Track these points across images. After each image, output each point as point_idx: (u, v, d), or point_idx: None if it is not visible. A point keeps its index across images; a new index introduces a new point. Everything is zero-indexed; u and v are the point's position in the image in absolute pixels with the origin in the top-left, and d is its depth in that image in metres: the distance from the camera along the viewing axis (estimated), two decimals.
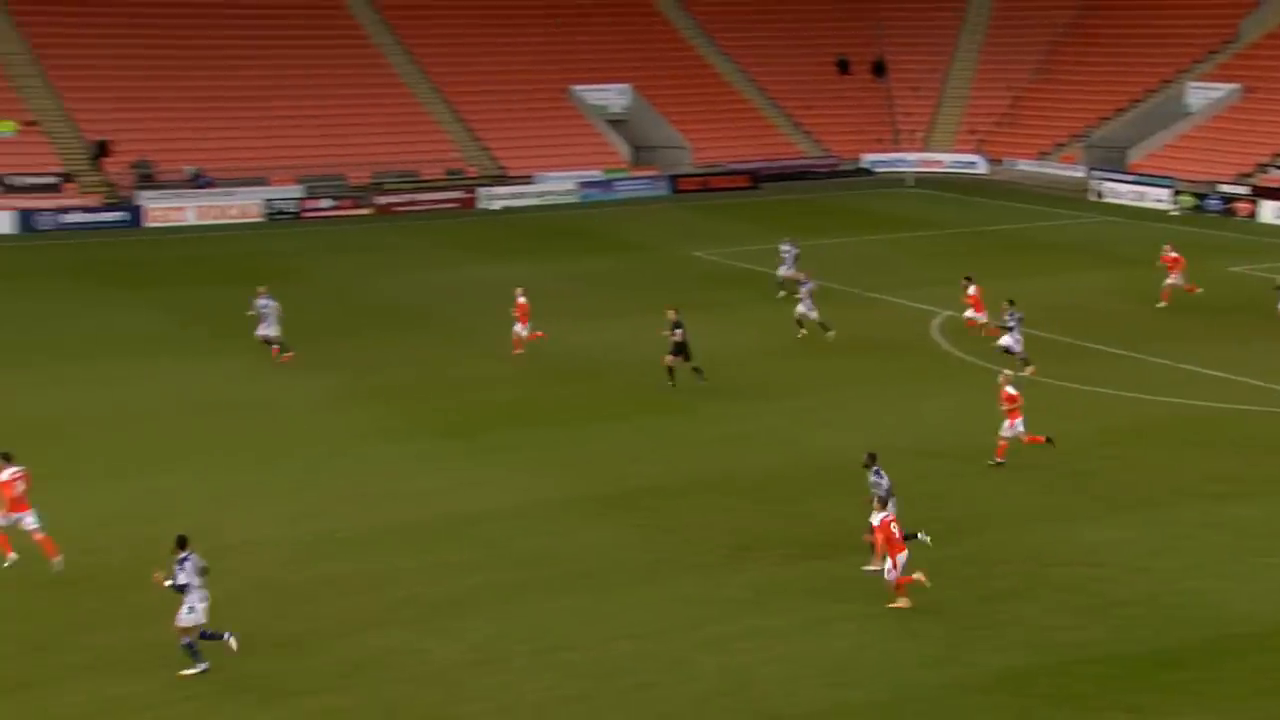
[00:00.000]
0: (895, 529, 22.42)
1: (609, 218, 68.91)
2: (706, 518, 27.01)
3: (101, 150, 70.18)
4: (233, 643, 20.80)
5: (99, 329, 44.10)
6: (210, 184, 70.17)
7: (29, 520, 24.58)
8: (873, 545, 23.11)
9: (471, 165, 77.07)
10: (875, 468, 24.52)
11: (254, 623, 22.25)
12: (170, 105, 74.08)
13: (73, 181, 67.73)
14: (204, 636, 20.83)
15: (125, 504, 27.85)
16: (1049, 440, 29.69)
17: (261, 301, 39.51)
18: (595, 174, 77.14)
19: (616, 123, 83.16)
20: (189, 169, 70.48)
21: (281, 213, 69.60)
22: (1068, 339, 41.01)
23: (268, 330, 39.20)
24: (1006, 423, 29.50)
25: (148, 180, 69.25)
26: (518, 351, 39.41)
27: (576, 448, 31.72)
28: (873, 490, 23.81)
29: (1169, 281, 45.16)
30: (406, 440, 32.40)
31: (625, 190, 76.36)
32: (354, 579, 24.14)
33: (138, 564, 24.37)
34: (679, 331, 35.70)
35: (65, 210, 65.22)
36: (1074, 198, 71.89)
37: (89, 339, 42.64)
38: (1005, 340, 37.06)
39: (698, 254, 57.42)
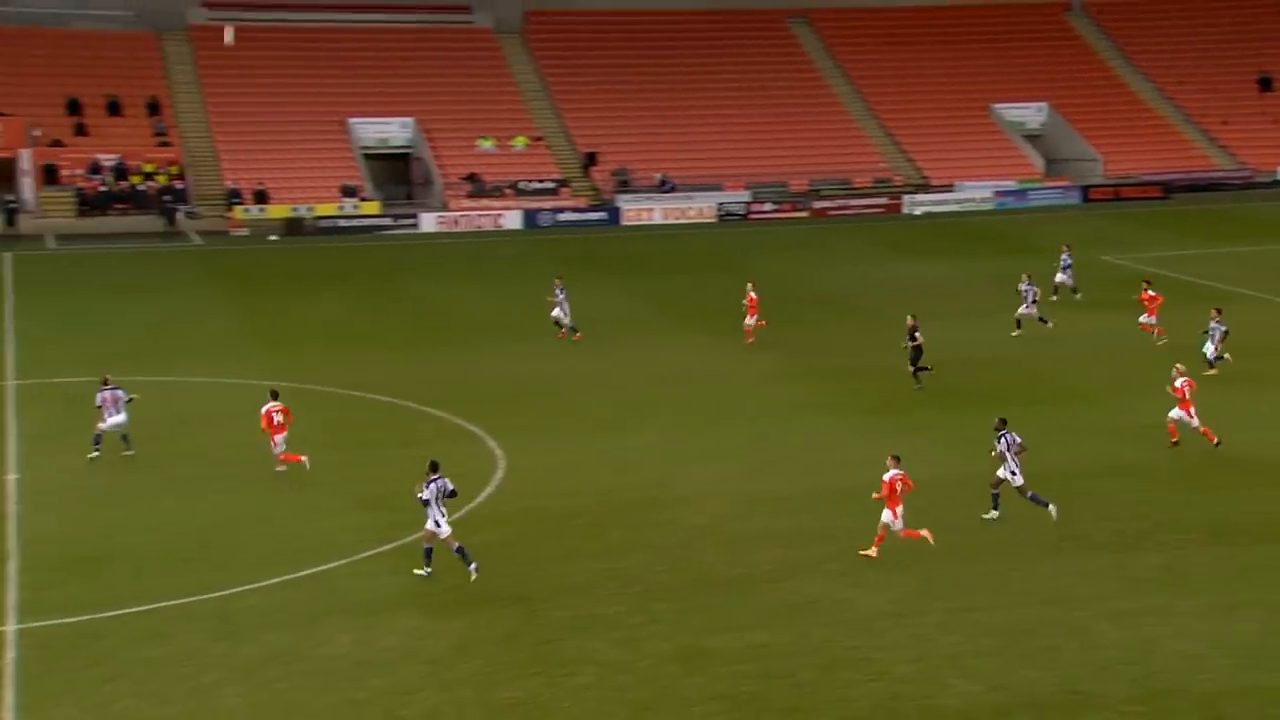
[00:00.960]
0: (900, 485, 22.56)
1: (1022, 223, 66.11)
2: (1117, 499, 25.36)
3: (590, 160, 73.46)
4: (473, 570, 21.53)
5: (585, 309, 46.05)
6: (674, 189, 72.11)
7: (279, 441, 27.02)
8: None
9: (898, 175, 75.79)
10: (1003, 431, 24.34)
11: (704, 564, 22.61)
12: (644, 124, 76.69)
13: (567, 186, 71.18)
14: (458, 552, 21.61)
15: (599, 456, 28.81)
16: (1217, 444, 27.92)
17: (557, 291, 40.19)
18: (1010, 184, 74.25)
19: (1032, 137, 79.81)
20: (657, 176, 72.69)
21: (731, 214, 70.67)
22: None
23: (560, 315, 39.88)
24: (1176, 409, 28.20)
25: (625, 185, 71.93)
26: (749, 341, 38.68)
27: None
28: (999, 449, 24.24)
29: None
30: (840, 415, 32.08)
31: (1038, 199, 73.06)
32: (790, 532, 24.08)
33: (606, 508, 25.35)
34: (916, 337, 33.92)
35: (560, 210, 68.65)
36: None
37: (577, 317, 44.61)
38: (1208, 347, 34.09)
39: (1106, 258, 54.17)
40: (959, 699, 17.84)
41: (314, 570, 22.03)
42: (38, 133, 66.40)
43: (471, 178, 70.22)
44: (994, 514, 24.30)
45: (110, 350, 38.07)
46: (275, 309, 44.66)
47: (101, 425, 27.98)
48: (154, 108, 69.97)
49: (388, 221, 66.42)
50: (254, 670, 18.44)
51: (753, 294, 39.31)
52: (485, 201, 68.70)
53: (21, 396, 32.83)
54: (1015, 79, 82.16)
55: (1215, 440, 28.02)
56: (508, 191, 69.67)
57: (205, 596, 20.88)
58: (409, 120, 73.23)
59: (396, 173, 73.34)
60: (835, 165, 75.33)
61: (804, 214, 71.08)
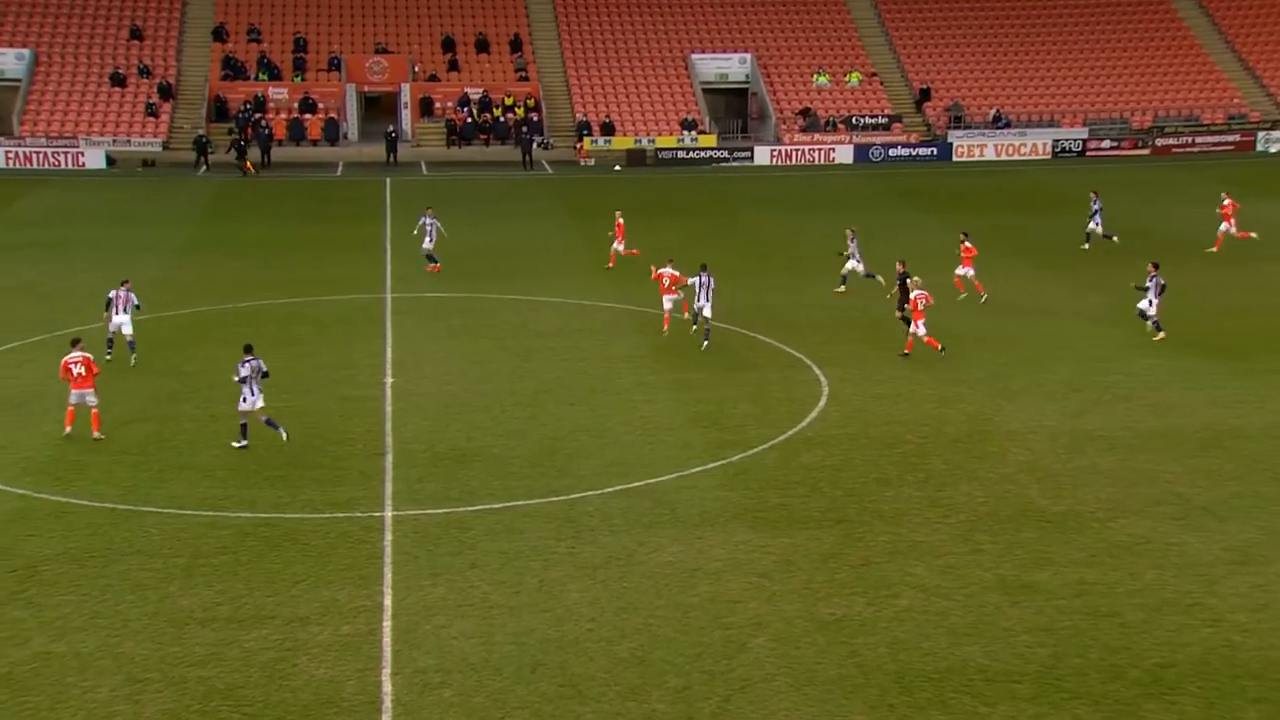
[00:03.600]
0: (669, 280, 31.14)
1: None
2: None
3: (924, 96, 71.38)
4: (283, 434, 23.73)
5: (909, 242, 45.04)
6: (1008, 125, 69.21)
7: (77, 396, 24.29)
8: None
9: (1254, 110, 69.74)
10: (701, 274, 30.16)
11: (1027, 498, 21.86)
12: (979, 59, 73.85)
13: (899, 122, 69.53)
14: (267, 423, 23.83)
15: (921, 387, 28.10)
16: (942, 348, 29.61)
17: (426, 221, 40.01)
18: None
19: None
20: (991, 112, 69.89)
21: (1067, 151, 67.30)
22: None
23: (428, 245, 39.48)
24: (915, 323, 29.53)
25: (958, 121, 69.59)
26: (611, 266, 39.71)
27: None
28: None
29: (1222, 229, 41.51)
30: (1174, 356, 30.19)
31: None
32: (1118, 473, 22.92)
33: (928, 438, 24.84)
34: (909, 282, 31.53)
35: (892, 145, 67.19)
36: None
37: (910, 251, 43.64)
38: (1142, 304, 31.71)
39: None
40: None
41: (648, 482, 22.63)
42: (417, 68, 70.48)
43: (805, 112, 69.61)
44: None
45: (471, 269, 40.25)
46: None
47: (110, 325, 29.57)
48: (516, 44, 72.83)
49: (723, 154, 66.86)
50: (594, 570, 19.21)
51: (620, 220, 40.29)
52: (818, 136, 68.01)
53: (395, 309, 35.22)
54: None
55: (940, 347, 29.47)
56: (840, 126, 68.69)
57: (552, 499, 21.87)
58: (747, 56, 73.19)
59: (733, 107, 73.60)
60: (1183, 100, 70.22)
61: (1145, 151, 66.83)
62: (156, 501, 21.70)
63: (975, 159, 66.70)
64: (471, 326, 33.39)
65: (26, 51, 68.46)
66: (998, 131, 68.56)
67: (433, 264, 39.81)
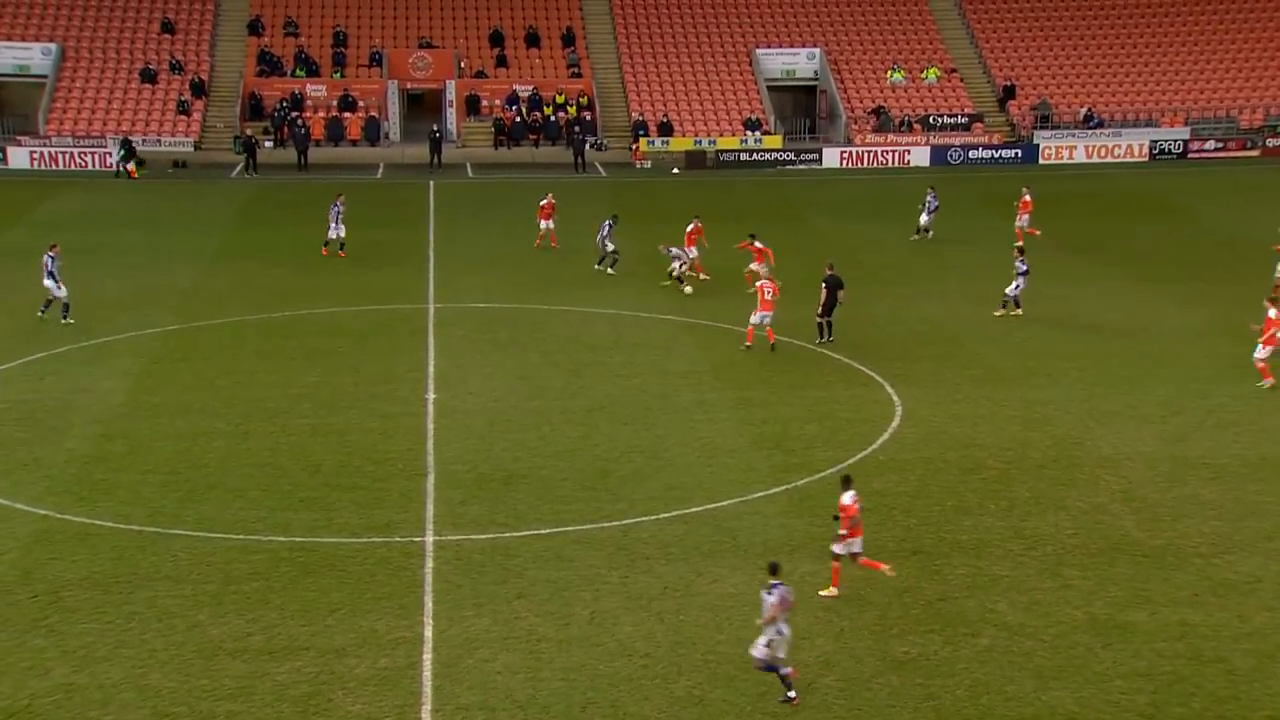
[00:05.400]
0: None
1: None
2: None
3: (1008, 94, 70.92)
4: None
5: (996, 251, 44.64)
6: (1101, 125, 68.59)
7: None
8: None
9: None
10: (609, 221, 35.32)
11: (1121, 530, 21.60)
12: (1070, 52, 73.35)
13: (980, 121, 69.10)
14: None
15: (1004, 408, 27.92)
16: (772, 348, 31.52)
17: (335, 206, 43.11)
18: None
19: None
20: (1082, 111, 69.31)
21: (1166, 153, 66.55)
22: None
23: (336, 233, 43.01)
24: (756, 311, 31.83)
25: (1045, 121, 69.06)
26: (537, 245, 43.66)
27: None
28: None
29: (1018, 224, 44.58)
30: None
31: None
32: (1224, 504, 22.56)
33: (1012, 464, 24.59)
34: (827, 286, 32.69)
35: (972, 147, 66.78)
36: None
37: (994, 258, 43.32)
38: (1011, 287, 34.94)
39: None
40: None
41: (707, 507, 22.61)
42: (464, 64, 71.08)
43: (878, 112, 69.36)
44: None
45: (519, 277, 40.46)
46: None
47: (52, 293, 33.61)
48: (568, 39, 73.25)
49: (789, 156, 66.78)
50: (649, 601, 19.20)
51: (551, 199, 44.03)
52: (892, 137, 67.75)
53: (438, 320, 35.46)
54: None
55: (773, 341, 31.44)
56: (916, 127, 68.38)
57: (604, 525, 21.89)
58: (815, 51, 73.13)
59: (800, 106, 73.52)
60: None
61: (1254, 153, 65.98)
62: (185, 523, 21.96)
63: (1064, 161, 66.15)
64: (519, 339, 33.55)
65: (53, 46, 69.85)
66: (1089, 132, 67.95)
67: (326, 248, 43.49)
